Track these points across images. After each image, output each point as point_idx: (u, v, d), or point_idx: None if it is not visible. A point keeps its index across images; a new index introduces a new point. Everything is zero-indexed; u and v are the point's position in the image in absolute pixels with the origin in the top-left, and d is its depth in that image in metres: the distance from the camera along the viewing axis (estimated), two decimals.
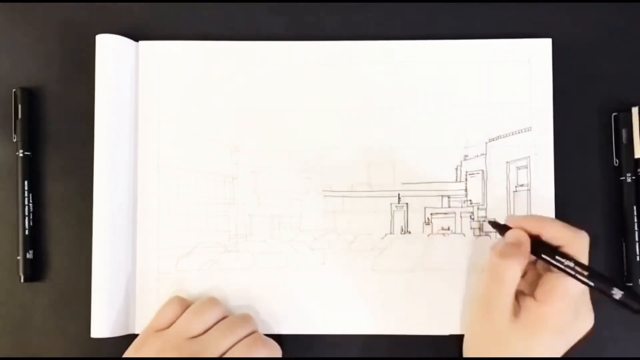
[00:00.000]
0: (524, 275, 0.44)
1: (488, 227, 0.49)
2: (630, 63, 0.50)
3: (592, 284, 0.41)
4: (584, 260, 0.42)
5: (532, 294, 0.43)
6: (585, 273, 0.41)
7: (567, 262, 0.41)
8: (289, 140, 0.50)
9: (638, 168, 0.49)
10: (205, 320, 0.45)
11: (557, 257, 0.42)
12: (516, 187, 0.49)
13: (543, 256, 0.42)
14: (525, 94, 0.49)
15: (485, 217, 0.49)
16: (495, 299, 0.43)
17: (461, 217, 0.49)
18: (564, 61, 0.50)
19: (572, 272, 0.41)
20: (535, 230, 0.43)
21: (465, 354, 0.46)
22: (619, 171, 0.49)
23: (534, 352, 0.42)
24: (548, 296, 0.42)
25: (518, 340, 0.42)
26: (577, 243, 0.42)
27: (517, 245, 0.43)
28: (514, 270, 0.42)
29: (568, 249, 0.42)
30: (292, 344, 0.49)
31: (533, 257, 0.44)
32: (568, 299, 0.42)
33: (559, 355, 0.43)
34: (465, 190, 0.50)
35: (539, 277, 0.44)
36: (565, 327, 0.43)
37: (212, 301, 0.46)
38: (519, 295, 0.44)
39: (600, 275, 0.41)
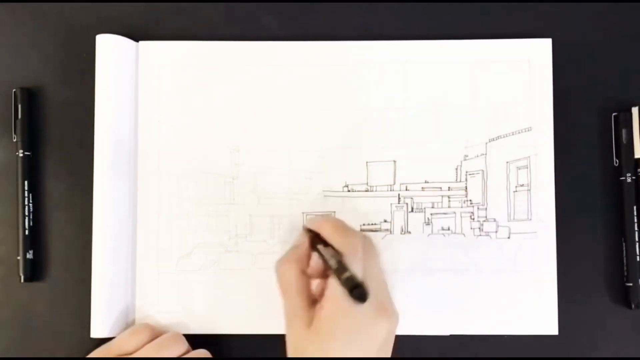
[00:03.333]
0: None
1: (488, 227, 0.49)
2: (630, 63, 0.50)
3: (341, 279, 0.38)
4: (358, 262, 0.40)
5: None
6: (330, 264, 0.39)
7: (329, 257, 0.40)
8: (289, 140, 0.50)
9: (638, 168, 0.49)
10: (166, 354, 0.45)
11: (325, 252, 0.41)
12: (516, 187, 0.49)
13: (316, 248, 0.42)
14: (525, 94, 0.49)
15: (486, 217, 0.49)
16: (287, 306, 0.42)
17: (461, 217, 0.49)
18: (564, 61, 0.50)
19: (327, 264, 0.40)
20: (316, 230, 0.43)
21: None
22: (619, 171, 0.49)
23: None
24: (325, 299, 0.41)
25: (313, 350, 0.40)
26: (346, 242, 0.41)
27: (295, 247, 0.44)
28: (289, 271, 0.42)
29: (339, 247, 0.41)
30: None
31: (309, 257, 0.43)
32: (339, 299, 0.39)
33: None
34: (465, 190, 0.50)
35: None
36: (351, 331, 0.40)
37: (176, 337, 0.46)
38: (318, 305, 0.42)
39: (341, 270, 0.38)
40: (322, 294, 0.42)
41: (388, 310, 0.41)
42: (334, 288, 0.40)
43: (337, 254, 0.41)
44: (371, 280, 0.40)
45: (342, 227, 0.43)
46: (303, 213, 0.49)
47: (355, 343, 0.40)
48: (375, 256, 0.43)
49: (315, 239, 0.43)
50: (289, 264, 0.42)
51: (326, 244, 0.42)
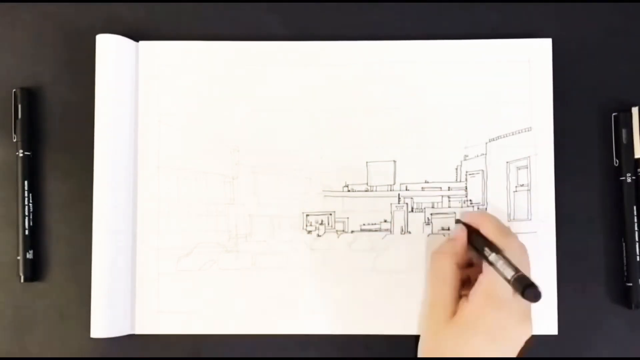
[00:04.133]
0: (469, 279, 0.44)
1: None
2: (630, 63, 0.50)
3: (509, 277, 0.39)
4: (515, 259, 0.41)
5: None
6: (493, 261, 0.40)
7: (490, 253, 0.41)
8: (289, 140, 0.50)
9: (638, 168, 0.49)
10: None
11: (484, 248, 0.42)
12: (516, 187, 0.49)
13: (473, 245, 0.43)
14: (525, 94, 0.49)
15: None
16: (434, 296, 0.43)
17: None
18: (564, 61, 0.50)
19: (488, 261, 0.41)
20: (475, 226, 0.44)
21: (419, 354, 0.45)
22: (619, 171, 0.49)
23: (465, 354, 0.41)
24: (473, 293, 0.42)
25: (450, 341, 0.41)
26: (508, 242, 0.42)
27: (452, 239, 0.45)
28: (445, 263, 0.43)
29: (501, 245, 0.42)
30: (292, 344, 0.49)
31: (469, 254, 0.44)
32: (492, 295, 0.41)
33: None
34: (465, 190, 0.50)
35: None
36: (495, 330, 0.41)
37: None
38: (462, 297, 0.43)
39: (510, 268, 0.39)
40: (466, 288, 0.43)
41: (530, 318, 0.42)
42: (486, 285, 0.41)
43: (502, 252, 0.41)
44: None
45: (504, 228, 0.44)
46: (303, 213, 0.49)
47: (496, 342, 0.41)
48: (528, 263, 0.43)
49: (472, 234, 0.44)
50: (445, 256, 0.44)
51: (486, 240, 0.43)
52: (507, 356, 0.41)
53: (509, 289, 0.40)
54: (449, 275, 0.43)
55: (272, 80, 0.50)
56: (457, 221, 0.47)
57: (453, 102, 0.50)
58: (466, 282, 0.45)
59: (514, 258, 0.41)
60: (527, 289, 0.37)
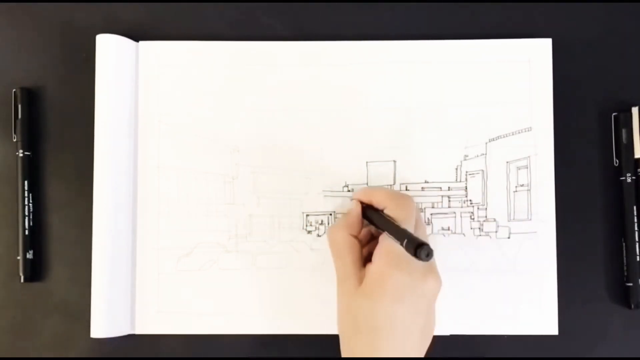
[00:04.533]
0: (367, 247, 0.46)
1: (488, 227, 0.49)
2: (630, 63, 0.50)
3: (402, 241, 0.39)
4: (408, 220, 0.42)
5: None
6: (386, 228, 0.41)
7: (381, 220, 0.43)
8: (289, 140, 0.50)
9: (638, 168, 0.49)
10: None
11: (376, 217, 0.43)
12: (516, 187, 0.49)
13: (367, 216, 0.45)
14: (525, 94, 0.49)
15: (486, 217, 0.49)
16: (338, 270, 0.44)
17: (461, 217, 0.49)
18: (564, 61, 0.50)
19: (382, 228, 0.42)
20: (367, 200, 0.46)
21: (338, 331, 0.44)
22: (619, 171, 0.49)
23: (379, 318, 0.41)
24: (375, 256, 0.42)
25: (362, 307, 0.41)
26: (399, 205, 0.43)
27: (346, 214, 0.46)
28: (340, 235, 0.44)
29: (392, 212, 0.43)
30: (292, 344, 0.49)
31: (364, 224, 0.46)
32: (391, 255, 0.41)
33: (409, 323, 0.41)
34: (465, 190, 0.50)
35: None
36: (402, 288, 0.41)
37: None
38: (368, 264, 0.43)
39: (401, 232, 0.40)
40: (371, 257, 0.43)
41: (435, 271, 0.43)
42: (384, 247, 0.42)
43: (392, 219, 0.42)
44: None
45: (395, 194, 0.45)
46: (303, 213, 0.49)
47: (404, 299, 0.41)
48: (422, 220, 0.45)
49: (367, 208, 0.45)
50: (339, 228, 0.45)
51: (377, 210, 0.44)
52: (421, 313, 0.42)
53: (394, 243, 0.40)
54: (347, 245, 0.44)
55: (272, 80, 0.50)
56: (352, 199, 0.48)
57: (453, 102, 0.50)
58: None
59: (405, 220, 0.42)
60: (417, 249, 0.37)
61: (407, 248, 0.38)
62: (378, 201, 0.45)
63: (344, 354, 0.43)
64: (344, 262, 0.44)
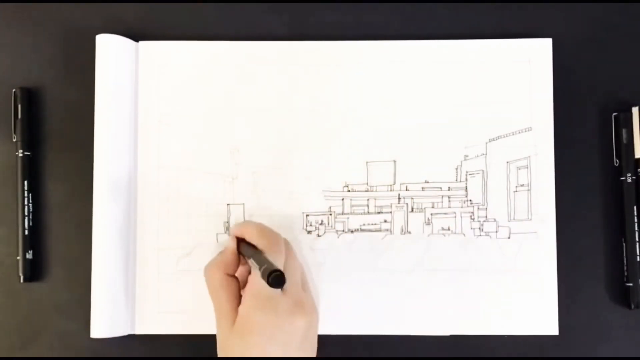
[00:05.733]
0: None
1: (488, 227, 0.49)
2: (630, 63, 0.50)
3: (260, 270, 0.39)
4: (276, 252, 0.43)
5: None
6: (252, 258, 0.42)
7: (249, 254, 0.43)
8: (289, 140, 0.50)
9: (638, 168, 0.49)
10: None
11: (246, 251, 0.43)
12: (516, 187, 0.49)
13: (240, 252, 0.45)
14: (525, 94, 0.49)
15: (486, 217, 0.49)
16: (215, 308, 0.44)
17: (461, 217, 0.49)
18: (564, 61, 0.50)
19: (251, 261, 0.42)
20: (240, 234, 0.45)
21: None
22: (619, 171, 0.49)
23: (251, 356, 0.41)
24: (243, 297, 0.42)
25: (235, 346, 0.42)
26: (269, 240, 0.43)
27: (221, 251, 0.46)
28: (215, 274, 0.44)
29: (262, 246, 0.43)
30: None
31: (237, 261, 0.45)
32: (258, 296, 0.41)
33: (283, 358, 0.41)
34: (465, 190, 0.50)
35: None
36: (269, 328, 0.41)
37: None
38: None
39: (262, 262, 0.40)
40: None
41: (305, 307, 0.43)
42: (253, 285, 0.42)
43: (259, 251, 0.43)
44: (288, 278, 0.41)
45: (266, 230, 0.45)
46: (303, 213, 0.49)
47: (274, 339, 0.41)
48: (293, 257, 0.45)
49: (241, 243, 0.45)
50: (214, 267, 0.44)
51: (248, 245, 0.44)
52: (292, 351, 0.42)
53: (262, 282, 0.40)
54: (222, 285, 0.44)
55: (272, 80, 0.50)
56: (229, 234, 0.48)
57: (453, 102, 0.50)
58: None
59: (275, 256, 0.42)
60: (270, 276, 0.38)
61: (262, 276, 0.39)
62: (250, 236, 0.44)
63: None
64: (219, 301, 0.43)
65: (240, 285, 0.44)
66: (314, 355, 0.44)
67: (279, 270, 0.38)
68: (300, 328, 0.42)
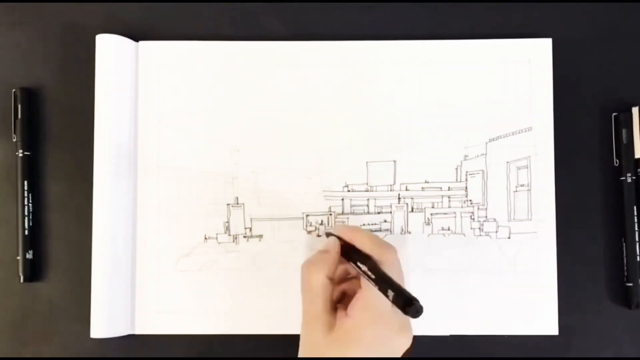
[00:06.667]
0: (345, 293, 0.44)
1: (488, 227, 0.49)
2: (630, 63, 0.50)
3: (388, 294, 0.38)
4: (393, 272, 0.41)
5: None
6: (372, 276, 0.40)
7: (366, 267, 0.41)
8: (289, 140, 0.50)
9: (638, 168, 0.49)
10: None
11: (360, 262, 0.41)
12: (516, 187, 0.49)
13: (349, 258, 0.43)
14: (525, 94, 0.49)
15: (486, 217, 0.49)
16: (308, 309, 0.42)
17: (461, 217, 0.49)
18: (564, 61, 0.50)
19: (367, 275, 0.40)
20: (348, 239, 0.44)
21: None
22: (619, 171, 0.49)
23: None
24: (352, 308, 0.41)
25: (333, 354, 0.41)
26: (386, 253, 0.42)
27: (324, 252, 0.44)
28: (317, 276, 0.42)
29: (378, 258, 0.41)
30: (291, 344, 0.49)
31: (342, 265, 0.44)
32: (371, 311, 0.41)
33: None
34: (465, 190, 0.50)
35: None
36: (376, 343, 0.41)
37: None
38: (339, 310, 0.43)
39: (387, 282, 0.39)
40: (342, 300, 0.43)
41: (409, 327, 0.42)
42: (364, 300, 0.41)
43: (378, 267, 0.41)
44: None
45: (379, 240, 0.43)
46: (303, 213, 0.49)
47: (375, 351, 0.41)
48: (402, 272, 0.43)
49: (346, 247, 0.43)
50: (316, 268, 0.42)
51: (360, 253, 0.42)
52: None
53: (386, 302, 0.39)
54: (320, 288, 0.42)
55: (271, 80, 0.50)
56: (329, 234, 0.46)
57: (453, 102, 0.50)
58: (344, 296, 0.45)
59: (390, 270, 0.41)
60: (407, 305, 0.36)
61: (394, 301, 0.37)
62: (362, 244, 0.43)
63: None
64: (315, 304, 0.42)
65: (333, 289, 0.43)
66: None
67: (416, 300, 0.36)
68: (403, 347, 0.42)
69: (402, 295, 0.37)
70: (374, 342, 0.40)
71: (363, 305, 0.41)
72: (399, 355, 0.42)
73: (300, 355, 0.43)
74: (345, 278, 0.46)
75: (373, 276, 0.40)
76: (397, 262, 0.42)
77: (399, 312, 0.38)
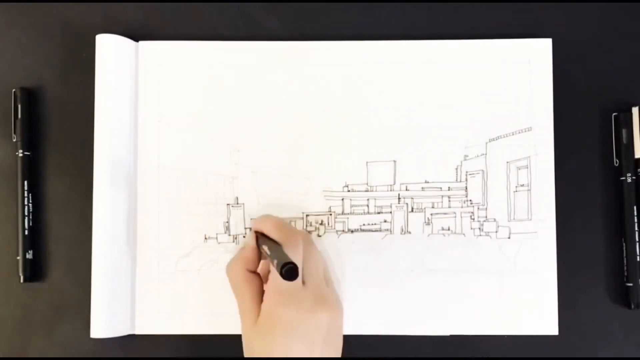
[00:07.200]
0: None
1: (488, 227, 0.49)
2: (630, 63, 0.50)
3: (274, 263, 0.40)
4: (295, 253, 0.42)
5: None
6: (268, 252, 0.41)
7: (265, 248, 0.42)
8: (289, 140, 0.50)
9: (638, 168, 0.49)
10: None
11: (263, 246, 0.43)
12: (516, 187, 0.49)
13: (258, 244, 0.44)
14: (525, 94, 0.49)
15: (486, 217, 0.49)
16: (238, 304, 0.44)
17: (461, 217, 0.49)
18: (564, 61, 0.50)
19: (267, 255, 0.42)
20: (259, 229, 0.45)
21: None
22: (619, 171, 0.49)
23: (274, 354, 0.41)
24: (265, 294, 0.42)
25: (257, 344, 0.41)
26: (286, 233, 0.43)
27: (242, 248, 0.46)
28: (236, 270, 0.44)
29: (279, 240, 0.43)
30: None
31: (258, 257, 0.45)
32: (279, 292, 0.41)
33: (305, 356, 0.41)
34: (465, 190, 0.50)
35: None
36: (292, 323, 0.41)
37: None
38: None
39: (274, 253, 0.40)
40: None
41: (328, 301, 0.42)
42: (273, 281, 0.42)
43: (276, 245, 0.42)
44: (309, 273, 0.42)
45: (283, 224, 0.45)
46: (303, 213, 0.49)
47: (296, 334, 0.41)
48: (315, 252, 0.44)
49: (260, 238, 0.45)
50: (235, 263, 0.44)
51: (266, 239, 0.44)
52: (316, 347, 0.41)
53: (293, 282, 0.40)
54: (243, 281, 0.43)
55: (271, 80, 0.50)
56: (250, 229, 0.48)
57: (453, 102, 0.50)
58: None
59: (293, 252, 0.42)
60: (283, 269, 0.37)
61: (276, 268, 0.38)
62: (267, 230, 0.44)
63: None
64: (242, 297, 0.43)
65: (262, 282, 0.44)
66: (339, 350, 0.43)
67: (292, 263, 0.38)
68: (323, 323, 0.41)
69: (281, 260, 0.38)
70: (288, 322, 0.41)
71: (271, 288, 0.42)
72: (329, 330, 0.42)
73: (243, 345, 0.44)
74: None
75: (267, 255, 0.42)
76: (300, 241, 0.43)
77: (306, 289, 0.40)
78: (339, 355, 0.43)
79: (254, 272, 0.45)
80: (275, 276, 0.42)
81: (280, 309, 0.41)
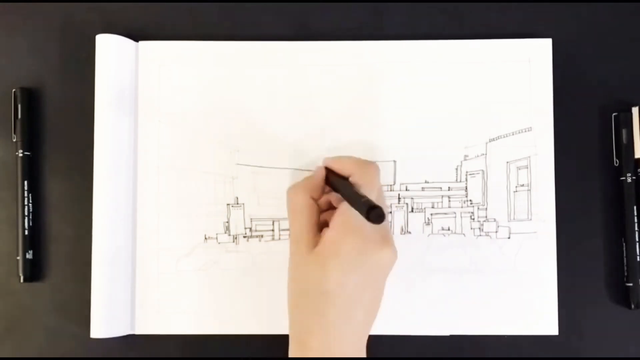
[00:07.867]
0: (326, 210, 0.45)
1: (488, 227, 0.49)
2: (631, 63, 0.50)
3: (349, 201, 0.40)
4: (370, 187, 0.42)
5: None
6: (346, 192, 0.41)
7: (341, 185, 0.42)
8: (289, 140, 0.50)
9: (638, 168, 0.49)
10: None
11: (338, 182, 0.43)
12: (516, 187, 0.49)
13: (330, 182, 0.44)
14: (525, 94, 0.49)
15: (486, 217, 0.49)
16: (293, 229, 0.44)
17: (461, 217, 0.49)
18: (564, 61, 0.50)
19: (342, 193, 0.42)
20: (334, 166, 0.45)
21: (287, 290, 0.44)
22: (619, 171, 0.49)
23: (329, 284, 0.40)
24: (332, 222, 0.42)
25: (313, 270, 0.41)
26: (364, 172, 0.43)
27: (308, 177, 0.46)
28: (300, 196, 0.44)
29: (357, 179, 0.43)
30: None
31: (329, 196, 0.45)
32: (348, 224, 0.41)
33: (358, 293, 0.41)
34: (465, 190, 0.50)
35: None
36: (354, 254, 0.40)
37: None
38: (324, 229, 0.43)
39: (358, 196, 0.39)
40: (327, 224, 0.43)
41: (391, 243, 0.42)
42: (342, 214, 0.42)
43: (352, 184, 0.42)
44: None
45: (361, 161, 0.45)
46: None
47: (357, 268, 0.41)
48: (383, 193, 0.44)
49: (331, 174, 0.45)
50: (300, 189, 0.44)
51: (339, 176, 0.44)
52: (373, 285, 0.41)
53: (354, 211, 0.39)
54: (305, 207, 0.43)
55: (272, 80, 0.50)
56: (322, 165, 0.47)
57: (453, 102, 0.50)
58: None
59: (369, 189, 0.42)
60: (370, 211, 0.37)
61: (360, 210, 0.38)
62: (344, 168, 0.44)
63: (290, 314, 0.43)
64: (300, 223, 0.43)
65: (320, 213, 0.44)
66: (381, 298, 0.43)
67: (379, 206, 0.37)
68: (385, 262, 0.42)
69: (366, 202, 0.37)
70: (351, 252, 0.40)
71: (340, 220, 0.42)
72: (384, 271, 0.42)
73: (288, 278, 0.43)
74: (332, 207, 0.46)
75: (346, 192, 0.41)
76: (375, 178, 0.43)
77: (377, 226, 0.38)
78: (380, 299, 0.43)
79: (315, 201, 0.44)
80: (344, 210, 0.42)
81: (348, 237, 0.41)
